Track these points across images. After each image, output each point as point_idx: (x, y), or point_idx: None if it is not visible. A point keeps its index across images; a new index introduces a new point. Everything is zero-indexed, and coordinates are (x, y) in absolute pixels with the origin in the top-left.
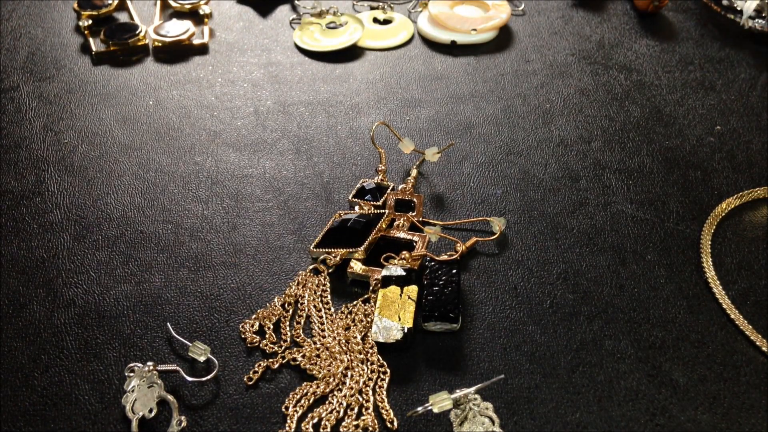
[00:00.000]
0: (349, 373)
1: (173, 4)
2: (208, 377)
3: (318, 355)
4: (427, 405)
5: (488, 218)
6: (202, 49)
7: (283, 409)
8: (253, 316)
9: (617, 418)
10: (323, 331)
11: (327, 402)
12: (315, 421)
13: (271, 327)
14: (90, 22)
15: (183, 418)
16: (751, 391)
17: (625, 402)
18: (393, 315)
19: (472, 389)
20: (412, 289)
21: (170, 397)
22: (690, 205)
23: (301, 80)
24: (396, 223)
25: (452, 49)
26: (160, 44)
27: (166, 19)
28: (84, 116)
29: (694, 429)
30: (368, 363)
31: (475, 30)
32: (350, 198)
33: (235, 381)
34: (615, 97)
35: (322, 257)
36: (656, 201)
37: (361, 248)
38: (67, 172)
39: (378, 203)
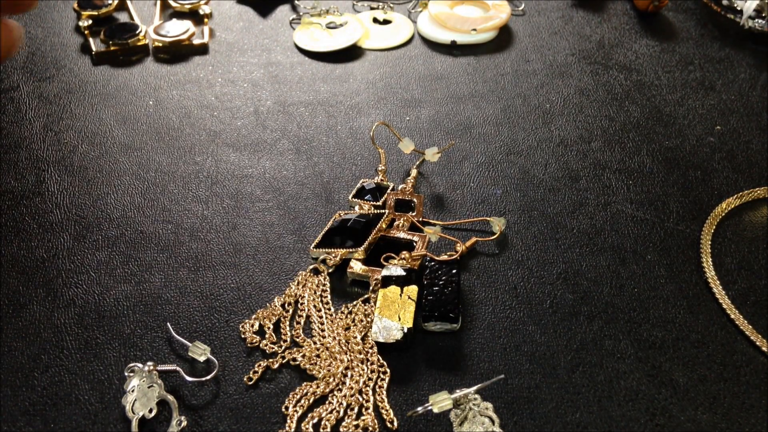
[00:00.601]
0: (349, 373)
1: (173, 4)
2: (208, 377)
3: (318, 355)
4: (427, 405)
5: (488, 218)
6: (202, 49)
7: (283, 409)
8: (253, 316)
9: (617, 418)
10: (323, 331)
11: (327, 402)
12: (315, 421)
13: (271, 327)
14: (90, 22)
15: (183, 418)
16: (751, 391)
17: (625, 402)
18: (393, 315)
19: (472, 389)
20: (412, 289)
21: (170, 397)
22: (690, 205)
23: (301, 80)
24: (396, 223)
25: (452, 49)
26: (160, 44)
27: (166, 19)
28: (84, 116)
29: (694, 429)
30: (368, 363)
31: (475, 30)
32: (350, 198)
33: (235, 381)
34: (615, 97)
35: (322, 257)
36: (656, 201)
37: (361, 248)
38: (67, 172)
39: (378, 203)
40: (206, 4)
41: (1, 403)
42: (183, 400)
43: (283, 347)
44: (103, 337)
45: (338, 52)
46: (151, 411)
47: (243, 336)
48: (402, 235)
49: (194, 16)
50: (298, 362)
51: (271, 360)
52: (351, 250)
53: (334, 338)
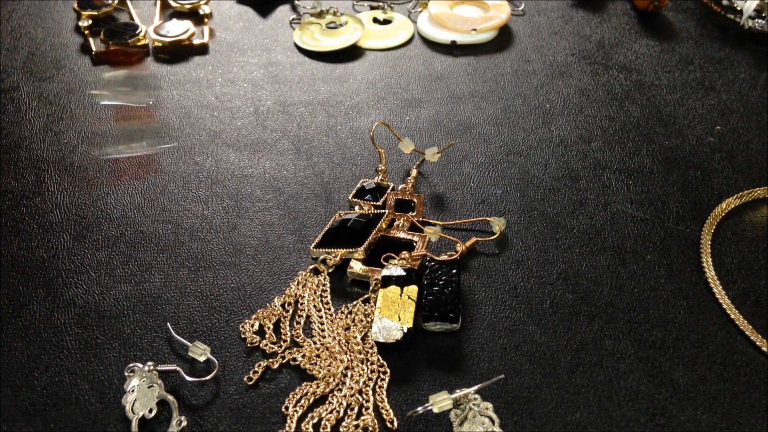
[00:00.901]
0: (349, 373)
1: (173, 4)
2: (208, 377)
3: (318, 355)
4: (427, 405)
5: (488, 218)
6: (202, 49)
7: (283, 409)
8: (253, 316)
9: (617, 418)
10: (323, 331)
11: (327, 402)
12: (315, 421)
13: (271, 327)
14: (90, 22)
15: (183, 418)
16: (751, 391)
17: (625, 402)
18: (393, 315)
19: (472, 389)
20: (412, 289)
21: (170, 397)
22: (690, 205)
23: (301, 80)
24: (396, 223)
25: (452, 49)
26: (160, 44)
27: (166, 19)
28: (84, 116)
29: (694, 429)
30: (368, 363)
31: (475, 30)
32: (350, 198)
33: (235, 381)
34: (615, 97)
35: (322, 257)
36: (656, 201)
37: (361, 248)
38: (67, 172)
39: (378, 203)
40: (206, 4)
41: (1, 403)
42: (183, 400)
43: (283, 347)
44: (103, 337)
45: (338, 52)
46: (151, 411)
47: (243, 336)
48: (402, 235)
49: (194, 16)
50: (298, 362)
51: (271, 360)
52: (351, 250)
53: (334, 338)
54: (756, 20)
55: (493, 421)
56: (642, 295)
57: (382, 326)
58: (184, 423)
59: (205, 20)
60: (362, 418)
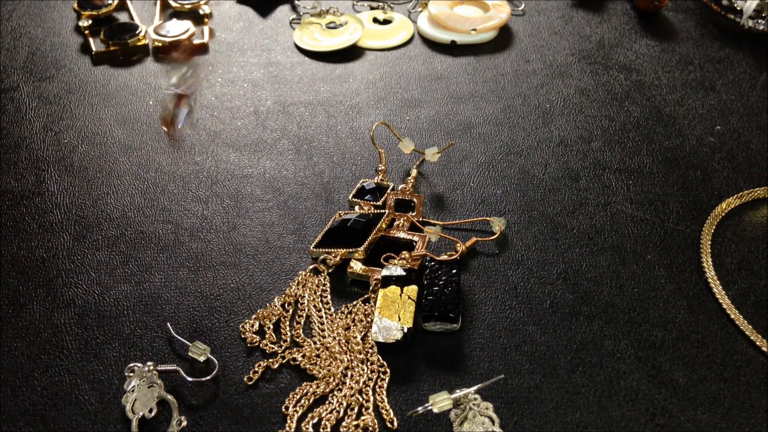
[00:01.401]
0: (349, 373)
1: (173, 4)
2: (208, 377)
3: (318, 355)
4: (427, 405)
5: (488, 218)
6: (202, 49)
7: (283, 409)
8: (253, 316)
9: (617, 418)
10: (323, 331)
11: (327, 402)
12: (315, 421)
13: (271, 327)
14: (90, 22)
15: (183, 418)
16: (751, 391)
17: (625, 402)
18: (393, 315)
19: (472, 389)
20: (412, 289)
21: (170, 397)
22: (690, 205)
23: (301, 80)
24: (396, 223)
25: (452, 49)
26: (160, 44)
27: (166, 19)
28: (84, 116)
29: (694, 429)
30: (368, 363)
31: (475, 30)
32: (350, 198)
33: (235, 381)
34: (615, 97)
35: (322, 257)
36: (656, 201)
37: (361, 248)
38: (67, 172)
39: (378, 203)
40: (206, 4)
41: (1, 403)
42: (183, 400)
43: (283, 347)
44: (103, 337)
45: (338, 52)
46: (151, 411)
47: (243, 336)
48: (402, 235)
49: (194, 16)
50: (298, 362)
51: (271, 360)
52: (351, 250)
53: (334, 338)
54: (756, 20)
55: (493, 421)
56: (642, 295)
57: (382, 326)
58: (184, 423)
59: (205, 20)
60: (362, 418)
